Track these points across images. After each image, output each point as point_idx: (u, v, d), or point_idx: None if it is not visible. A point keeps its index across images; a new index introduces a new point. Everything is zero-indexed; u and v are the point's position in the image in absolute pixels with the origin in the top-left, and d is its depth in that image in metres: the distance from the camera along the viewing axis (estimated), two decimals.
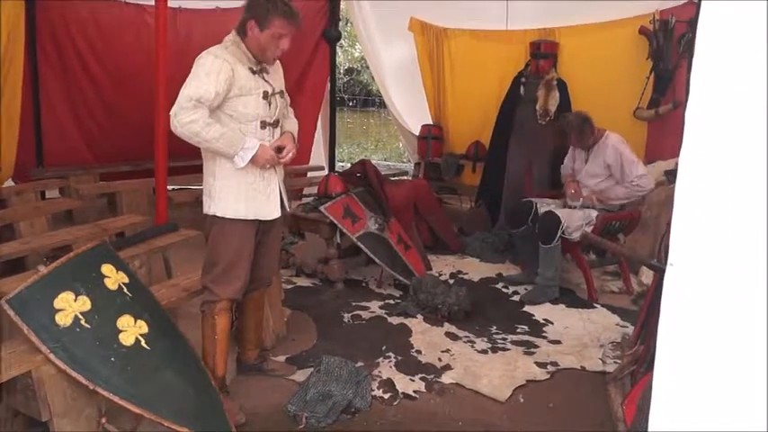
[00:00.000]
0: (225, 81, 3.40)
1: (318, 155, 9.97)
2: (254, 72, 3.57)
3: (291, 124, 3.93)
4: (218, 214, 3.64)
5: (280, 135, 3.76)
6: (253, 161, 3.51)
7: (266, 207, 3.71)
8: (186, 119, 3.32)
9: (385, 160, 15.96)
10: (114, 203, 7.31)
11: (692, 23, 6.98)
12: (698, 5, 5.40)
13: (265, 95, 3.60)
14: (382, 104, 28.61)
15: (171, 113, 3.37)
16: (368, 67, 27.26)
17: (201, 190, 3.86)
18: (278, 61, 3.79)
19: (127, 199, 7.15)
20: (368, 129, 24.70)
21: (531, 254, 6.15)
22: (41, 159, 7.93)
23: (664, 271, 3.54)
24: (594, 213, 5.86)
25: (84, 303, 3.21)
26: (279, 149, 3.68)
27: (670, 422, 1.22)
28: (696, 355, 1.12)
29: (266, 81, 3.64)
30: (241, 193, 3.61)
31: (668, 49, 7.18)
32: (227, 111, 3.50)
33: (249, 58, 3.55)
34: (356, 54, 26.92)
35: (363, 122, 25.95)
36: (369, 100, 29.34)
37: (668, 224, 4.15)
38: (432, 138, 9.27)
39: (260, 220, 3.73)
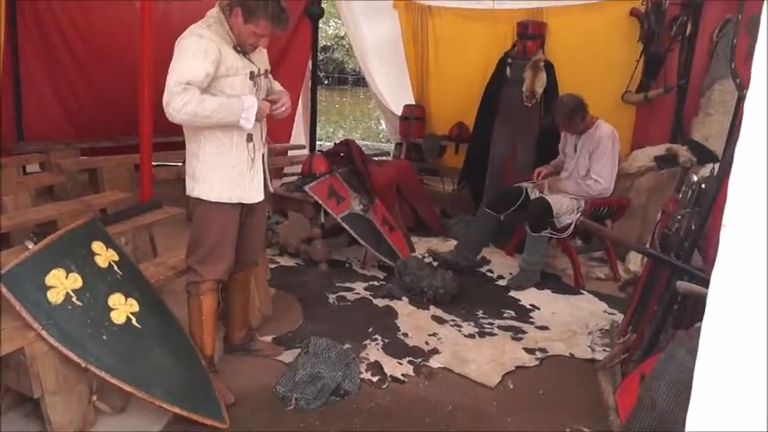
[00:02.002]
0: (213, 62, 3.33)
1: (299, 134, 9.89)
2: (238, 52, 3.49)
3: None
4: (202, 197, 3.59)
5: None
6: (256, 118, 3.47)
7: (250, 190, 3.67)
8: (179, 104, 3.24)
9: (362, 140, 15.85)
10: (95, 179, 7.22)
11: (686, 6, 6.92)
12: None
13: (251, 76, 3.54)
14: (356, 83, 28.57)
15: (164, 103, 3.28)
16: (343, 45, 27.37)
17: (183, 167, 3.81)
18: None
19: (108, 175, 7.08)
20: (342, 107, 24.59)
21: (478, 238, 6.19)
22: (22, 134, 7.80)
23: (660, 259, 3.57)
24: (583, 201, 5.80)
25: (76, 281, 3.19)
26: (273, 103, 3.65)
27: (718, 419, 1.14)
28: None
29: (251, 61, 3.57)
30: (225, 176, 3.56)
31: (660, 31, 7.05)
32: (213, 93, 3.42)
33: (232, 38, 3.47)
34: (330, 31, 26.76)
35: (337, 101, 25.81)
36: (343, 78, 29.21)
37: (662, 212, 4.17)
38: (414, 118, 9.19)
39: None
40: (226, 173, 3.56)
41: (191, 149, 3.61)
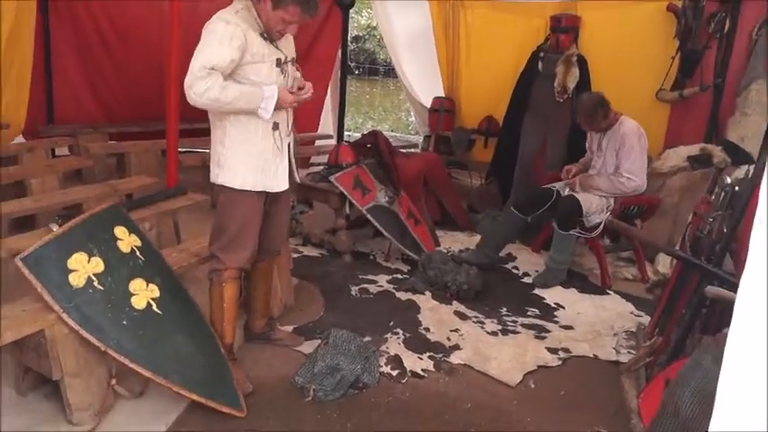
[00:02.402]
0: (238, 48, 3.30)
1: (327, 123, 9.87)
2: (265, 38, 3.46)
3: None
4: (226, 184, 3.58)
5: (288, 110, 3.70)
6: (277, 106, 3.43)
7: (274, 179, 3.65)
8: (202, 88, 3.21)
9: (391, 131, 15.81)
10: (123, 163, 7.25)
11: (725, 3, 6.75)
12: None
13: (278, 63, 3.51)
14: (387, 74, 28.54)
15: (186, 86, 3.26)
16: (374, 35, 27.32)
17: (208, 153, 3.80)
18: None
19: (136, 160, 7.10)
20: (372, 98, 24.56)
21: (503, 237, 6.14)
22: (52, 117, 7.85)
23: (691, 263, 3.49)
24: (612, 199, 5.70)
25: (98, 265, 3.20)
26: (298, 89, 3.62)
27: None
28: None
29: (278, 48, 3.54)
30: (250, 163, 3.55)
31: (697, 28, 6.89)
32: (238, 80, 3.40)
33: (260, 24, 3.44)
34: (362, 21, 26.73)
35: (367, 91, 25.80)
36: (374, 68, 29.18)
37: (693, 213, 4.09)
38: (443, 111, 9.10)
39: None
40: (251, 160, 3.54)
41: (216, 136, 3.60)
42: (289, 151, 3.74)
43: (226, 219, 3.64)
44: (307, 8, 3.40)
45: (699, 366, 2.53)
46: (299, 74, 3.75)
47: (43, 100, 7.79)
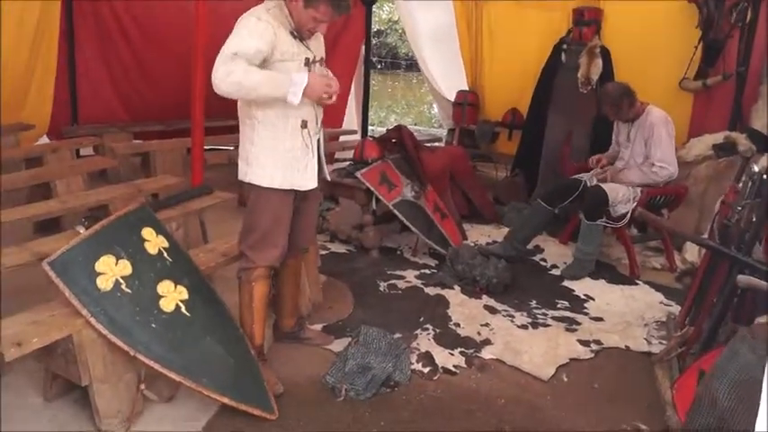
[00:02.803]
0: (267, 43, 3.27)
1: (351, 118, 9.85)
2: (295, 37, 3.44)
3: None
4: (255, 182, 3.56)
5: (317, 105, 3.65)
6: (306, 95, 3.34)
7: (303, 177, 3.62)
8: (224, 73, 3.17)
9: (415, 124, 15.78)
10: (148, 163, 7.24)
11: None
12: None
13: (306, 62, 3.49)
14: (409, 67, 28.57)
15: (212, 75, 3.23)
16: (396, 30, 27.33)
17: (234, 151, 3.77)
18: None
19: (161, 159, 7.08)
20: (394, 91, 24.55)
21: (531, 229, 6.11)
22: (76, 117, 7.87)
23: (721, 252, 3.47)
24: (639, 189, 5.66)
25: (125, 267, 3.17)
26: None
27: None
28: None
29: (307, 48, 3.52)
30: (278, 161, 3.52)
31: (719, 17, 6.85)
32: None
33: (290, 23, 3.42)
34: (383, 16, 26.72)
35: (390, 85, 25.79)
36: (396, 63, 29.21)
37: (722, 202, 4.06)
38: (467, 104, 9.10)
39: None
40: (279, 158, 3.51)
41: (245, 133, 3.58)
42: (318, 149, 3.71)
43: (255, 217, 3.61)
44: (337, 7, 3.38)
45: (735, 357, 2.52)
46: (326, 72, 3.70)
47: (67, 100, 7.81)
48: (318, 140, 3.71)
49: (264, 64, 3.33)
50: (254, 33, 3.26)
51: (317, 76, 3.42)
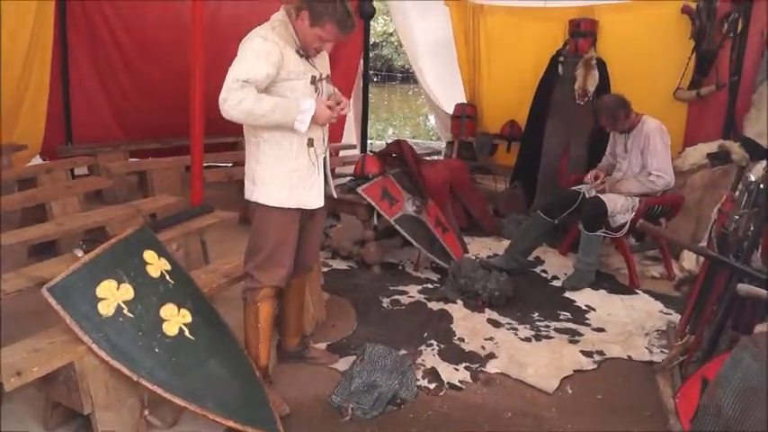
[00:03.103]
0: (274, 64, 3.27)
1: (350, 133, 9.84)
2: (301, 56, 3.44)
3: None
4: (261, 201, 3.53)
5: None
6: (313, 121, 3.37)
7: (309, 196, 3.60)
8: (235, 100, 3.18)
9: (413, 137, 15.77)
10: (145, 182, 7.20)
11: (737, 3, 6.89)
12: None
13: (313, 80, 3.47)
14: (404, 80, 28.62)
15: (220, 100, 3.22)
16: (391, 42, 27.39)
17: (232, 168, 3.75)
18: None
19: (158, 178, 7.04)
20: (390, 104, 24.58)
21: (531, 241, 6.11)
22: (70, 136, 7.81)
23: (721, 262, 3.49)
24: (637, 199, 5.70)
25: (127, 292, 3.14)
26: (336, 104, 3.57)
27: None
28: None
29: (313, 66, 3.51)
30: (284, 180, 3.50)
31: (711, 28, 7.02)
32: (273, 96, 3.36)
33: (296, 41, 3.42)
34: (378, 28, 26.77)
35: (386, 97, 25.83)
36: (391, 75, 29.26)
37: (719, 211, 4.10)
38: (466, 117, 9.11)
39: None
40: (285, 177, 3.50)
41: (250, 152, 3.55)
42: (325, 166, 3.69)
43: (262, 236, 3.58)
44: (344, 27, 3.38)
45: (739, 365, 2.55)
46: (332, 89, 3.69)
47: (61, 119, 7.73)
48: (324, 158, 3.69)
49: (271, 83, 3.33)
50: (261, 56, 3.26)
51: (323, 105, 3.43)
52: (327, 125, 3.64)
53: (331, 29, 3.36)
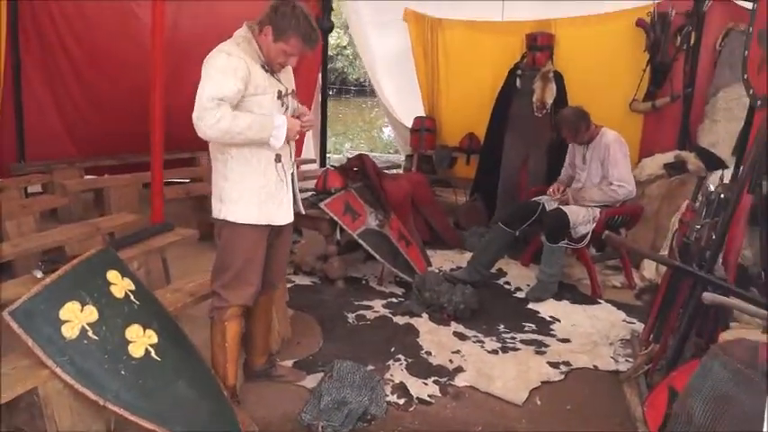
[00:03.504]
0: (242, 79, 3.26)
1: (308, 147, 9.80)
2: (266, 70, 3.43)
3: None
4: (230, 219, 3.49)
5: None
6: (285, 136, 3.39)
7: (278, 211, 3.57)
8: (212, 119, 3.16)
9: (370, 151, 15.77)
10: (101, 199, 7.05)
11: (690, 16, 7.03)
12: None
13: (279, 95, 3.46)
14: (358, 93, 28.65)
15: (194, 119, 3.19)
16: (345, 55, 27.41)
17: (190, 185, 3.70)
18: None
19: (115, 195, 6.89)
20: (345, 117, 24.59)
21: (493, 253, 6.13)
22: (23, 153, 7.63)
23: (688, 272, 3.54)
24: (598, 210, 5.78)
25: (91, 313, 3.06)
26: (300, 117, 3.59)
27: None
28: None
29: (279, 81, 3.50)
30: (253, 196, 3.47)
31: (665, 41, 7.17)
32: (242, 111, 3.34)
33: (260, 57, 3.40)
34: (332, 41, 26.77)
35: (340, 111, 25.82)
36: (346, 88, 29.28)
37: (681, 222, 4.17)
38: (425, 130, 9.10)
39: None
40: (254, 193, 3.47)
41: (217, 170, 3.52)
42: (293, 182, 3.66)
43: (229, 255, 3.54)
44: (308, 40, 3.38)
45: (709, 374, 2.56)
46: (297, 104, 3.67)
47: (13, 135, 7.54)
48: (292, 174, 3.67)
49: (239, 99, 3.31)
50: (229, 72, 3.24)
51: (293, 120, 3.46)
52: (294, 141, 3.63)
53: (295, 43, 3.35)
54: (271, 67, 3.44)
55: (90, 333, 3.00)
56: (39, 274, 3.46)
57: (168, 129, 4.87)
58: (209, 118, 3.15)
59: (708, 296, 3.18)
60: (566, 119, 5.93)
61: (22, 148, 7.62)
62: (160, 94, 4.79)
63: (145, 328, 3.23)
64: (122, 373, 3.01)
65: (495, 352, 4.71)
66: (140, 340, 3.16)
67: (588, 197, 5.79)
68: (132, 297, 3.30)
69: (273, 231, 3.63)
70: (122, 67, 7.74)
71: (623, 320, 5.38)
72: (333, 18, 9.41)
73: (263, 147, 3.39)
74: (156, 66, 4.82)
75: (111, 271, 3.31)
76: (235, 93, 3.23)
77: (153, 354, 3.17)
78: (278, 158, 3.49)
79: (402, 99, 9.77)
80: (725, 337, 3.22)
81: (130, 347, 3.11)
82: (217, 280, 3.61)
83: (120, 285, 3.28)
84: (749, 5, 5.13)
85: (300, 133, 3.61)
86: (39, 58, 7.60)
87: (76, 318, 2.99)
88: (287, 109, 3.53)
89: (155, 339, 3.23)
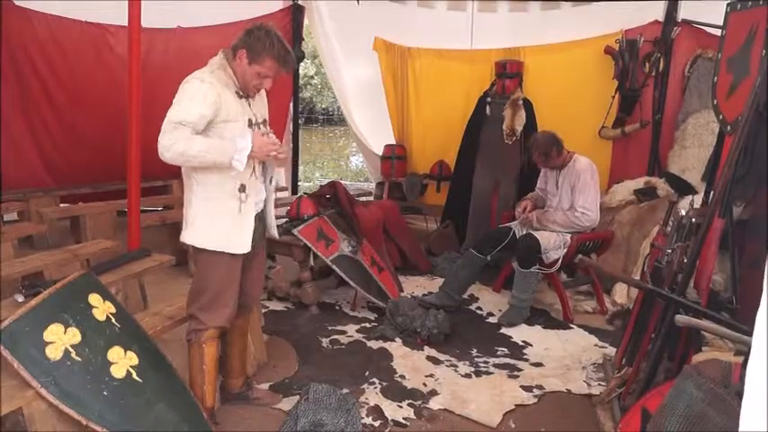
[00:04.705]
0: (211, 105, 3.31)
1: (280, 175, 9.84)
2: (240, 97, 3.49)
3: None
4: (190, 242, 3.57)
5: (264, 167, 3.69)
6: (254, 156, 3.41)
7: (238, 240, 3.58)
8: (168, 142, 3.21)
9: (340, 179, 15.81)
10: (77, 227, 7.07)
11: (658, 43, 7.13)
12: (664, 25, 5.62)
13: (249, 124, 3.52)
14: (325, 122, 28.69)
15: (158, 142, 3.26)
16: (312, 84, 27.49)
17: (165, 212, 3.75)
18: (263, 90, 3.73)
19: (91, 222, 6.90)
20: (311, 146, 24.62)
21: (465, 278, 6.20)
22: None
23: (662, 295, 3.59)
24: (569, 235, 5.85)
25: (74, 335, 3.11)
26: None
27: None
28: None
29: (251, 109, 3.56)
30: (215, 224, 3.52)
31: (634, 68, 7.30)
32: (210, 137, 3.38)
33: (235, 83, 3.48)
34: (300, 71, 26.87)
35: (307, 140, 25.84)
36: (313, 117, 29.29)
37: (652, 246, 4.23)
38: (395, 158, 9.17)
39: None
40: (216, 221, 3.52)
41: (186, 197, 3.58)
42: (265, 209, 3.74)
43: (203, 279, 3.60)
44: (283, 63, 3.45)
45: (682, 394, 2.58)
46: (271, 134, 3.72)
47: None
48: (265, 200, 3.74)
49: (209, 125, 3.35)
50: (197, 98, 3.29)
51: (260, 138, 3.45)
52: (273, 165, 3.70)
53: (270, 64, 3.43)
54: (246, 92, 3.52)
55: (73, 354, 3.05)
56: (20, 299, 3.50)
57: (141, 157, 4.92)
58: (164, 140, 3.22)
59: (681, 318, 3.22)
60: (537, 143, 5.96)
61: None
62: (137, 122, 4.84)
63: (126, 349, 3.28)
64: (105, 393, 3.06)
65: (468, 376, 4.77)
66: (122, 362, 3.22)
67: (552, 219, 5.88)
68: (113, 320, 3.36)
69: (247, 256, 3.68)
70: (97, 97, 7.76)
71: (595, 345, 5.44)
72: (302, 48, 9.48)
73: (226, 173, 3.43)
74: (131, 94, 4.88)
75: (93, 294, 3.37)
76: (197, 118, 3.27)
77: (134, 375, 3.23)
78: (242, 188, 3.52)
79: (373, 127, 9.81)
80: (698, 359, 3.25)
81: (112, 369, 3.16)
82: (194, 303, 3.67)
83: (101, 308, 3.34)
84: (717, 32, 5.29)
85: (278, 160, 3.67)
86: (14, 90, 7.60)
87: (60, 339, 3.04)
88: None
89: (135, 361, 3.28)
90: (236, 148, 3.35)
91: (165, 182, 8.17)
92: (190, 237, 3.55)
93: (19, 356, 2.91)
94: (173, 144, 3.21)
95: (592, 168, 5.91)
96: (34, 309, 3.06)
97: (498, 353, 5.24)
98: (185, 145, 3.22)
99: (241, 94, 3.50)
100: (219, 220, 3.52)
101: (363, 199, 8.97)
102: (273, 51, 3.39)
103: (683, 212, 3.93)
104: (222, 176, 3.46)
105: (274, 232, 3.87)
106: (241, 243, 3.60)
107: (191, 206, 3.53)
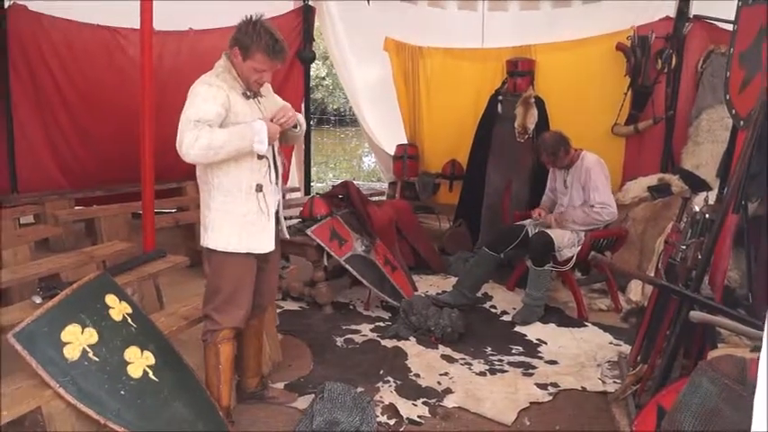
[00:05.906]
0: (222, 105, 3.36)
1: (292, 176, 9.86)
2: (247, 97, 3.53)
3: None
4: (212, 246, 3.59)
5: (275, 167, 3.70)
6: (270, 135, 3.46)
7: (260, 240, 3.64)
8: (191, 139, 3.25)
9: (354, 179, 15.84)
10: (92, 229, 7.13)
11: (670, 39, 7.10)
12: (676, 20, 5.59)
13: None
14: (337, 123, 28.77)
15: (177, 145, 3.30)
16: (324, 86, 27.57)
17: (178, 213, 3.77)
18: (269, 86, 3.76)
19: (106, 224, 6.96)
20: (324, 147, 24.68)
21: (478, 277, 6.20)
22: (15, 186, 7.70)
23: (676, 292, 3.58)
24: (583, 233, 5.83)
25: (92, 336, 3.14)
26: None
27: None
28: None
29: (260, 109, 3.59)
30: (234, 225, 3.55)
31: (646, 65, 7.26)
32: None
33: (240, 84, 3.51)
34: (311, 72, 26.92)
35: (320, 141, 25.91)
36: (325, 118, 29.37)
37: (666, 242, 4.21)
38: (408, 157, 9.19)
39: None
40: (235, 222, 3.55)
41: (203, 199, 3.61)
42: (278, 209, 3.74)
43: (218, 280, 3.63)
44: (272, 54, 3.46)
45: (697, 390, 2.58)
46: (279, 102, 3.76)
47: (6, 168, 7.64)
48: (278, 201, 3.75)
49: (221, 125, 3.38)
50: (209, 99, 3.34)
51: (269, 122, 3.49)
52: (281, 170, 3.72)
53: (261, 58, 3.44)
54: (251, 90, 3.55)
55: (90, 354, 3.08)
56: (38, 300, 3.53)
57: (155, 159, 4.95)
58: (188, 138, 3.25)
59: (695, 314, 3.20)
60: (545, 143, 5.97)
61: (14, 180, 7.69)
62: (150, 125, 4.87)
63: (142, 349, 3.31)
64: (122, 393, 3.09)
65: (483, 374, 4.77)
66: (138, 361, 3.25)
67: (571, 219, 5.85)
68: (130, 320, 3.39)
69: (261, 257, 3.71)
70: (110, 100, 7.82)
71: (610, 342, 5.41)
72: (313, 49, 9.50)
73: (242, 174, 3.49)
74: (144, 96, 4.91)
75: (110, 295, 3.40)
76: (214, 115, 3.32)
77: (151, 374, 3.26)
78: (259, 188, 3.56)
79: (384, 127, 9.81)
80: (713, 355, 3.19)
81: (129, 368, 3.19)
82: (208, 304, 3.70)
83: (117, 309, 3.37)
84: (729, 27, 5.26)
85: (286, 151, 3.67)
86: (30, 94, 7.67)
87: (77, 339, 3.07)
88: None
89: (152, 361, 3.31)
90: (254, 131, 3.39)
91: (179, 184, 8.22)
92: (213, 241, 3.57)
93: (37, 357, 2.94)
94: (196, 140, 3.25)
95: (600, 163, 5.90)
96: (51, 310, 3.10)
97: (513, 351, 5.23)
98: (209, 137, 3.26)
99: (248, 94, 3.54)
100: (241, 222, 3.55)
101: (376, 198, 8.98)
102: (261, 44, 3.41)
103: (697, 208, 3.91)
104: (238, 179, 3.50)
105: (285, 233, 3.89)
106: (263, 242, 3.65)
107: (209, 210, 3.56)
